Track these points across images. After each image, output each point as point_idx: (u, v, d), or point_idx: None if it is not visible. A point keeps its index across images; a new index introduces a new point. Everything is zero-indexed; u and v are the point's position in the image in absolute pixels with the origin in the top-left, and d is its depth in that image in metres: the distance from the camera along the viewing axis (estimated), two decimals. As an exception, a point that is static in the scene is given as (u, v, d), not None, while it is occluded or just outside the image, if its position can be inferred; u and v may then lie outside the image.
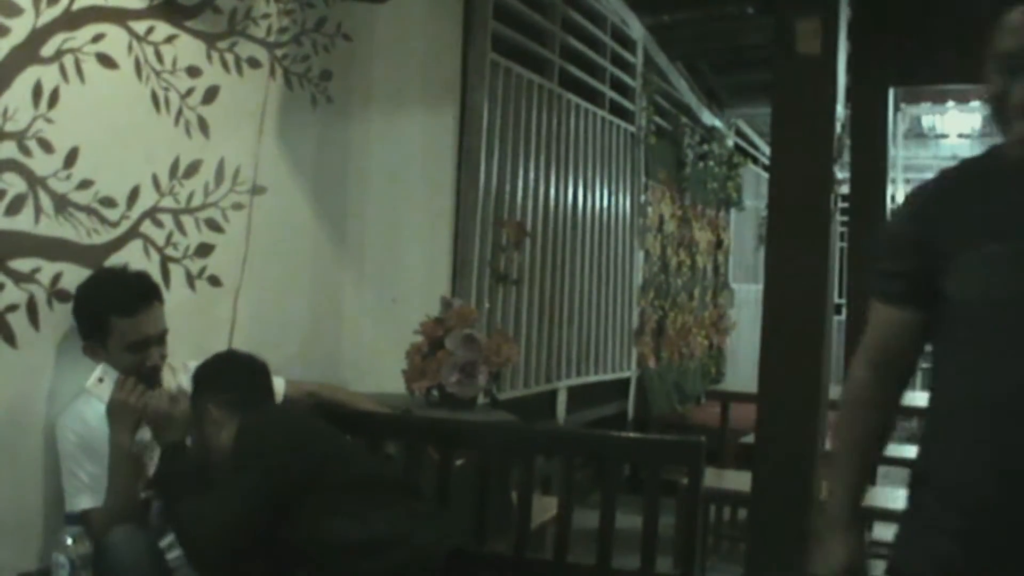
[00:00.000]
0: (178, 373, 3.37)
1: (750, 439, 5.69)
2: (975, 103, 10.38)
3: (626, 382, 8.02)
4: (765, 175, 11.83)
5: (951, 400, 2.02)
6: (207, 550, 2.86)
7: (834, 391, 5.06)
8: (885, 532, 6.47)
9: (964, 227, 1.98)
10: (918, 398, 7.73)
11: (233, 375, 3.22)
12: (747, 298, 11.15)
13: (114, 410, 3.04)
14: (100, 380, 3.09)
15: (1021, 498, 1.86)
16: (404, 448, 3.59)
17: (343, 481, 2.94)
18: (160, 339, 3.21)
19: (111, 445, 3.03)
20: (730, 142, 10.58)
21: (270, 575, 3.02)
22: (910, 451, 7.19)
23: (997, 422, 1.89)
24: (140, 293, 3.19)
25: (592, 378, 7.26)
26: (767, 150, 11.29)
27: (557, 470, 5.48)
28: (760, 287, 10.63)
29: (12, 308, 3.02)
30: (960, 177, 2.11)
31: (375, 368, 4.61)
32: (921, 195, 2.15)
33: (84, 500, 3.03)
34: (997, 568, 1.91)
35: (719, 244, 10.31)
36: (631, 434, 5.99)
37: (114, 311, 3.10)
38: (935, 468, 2.03)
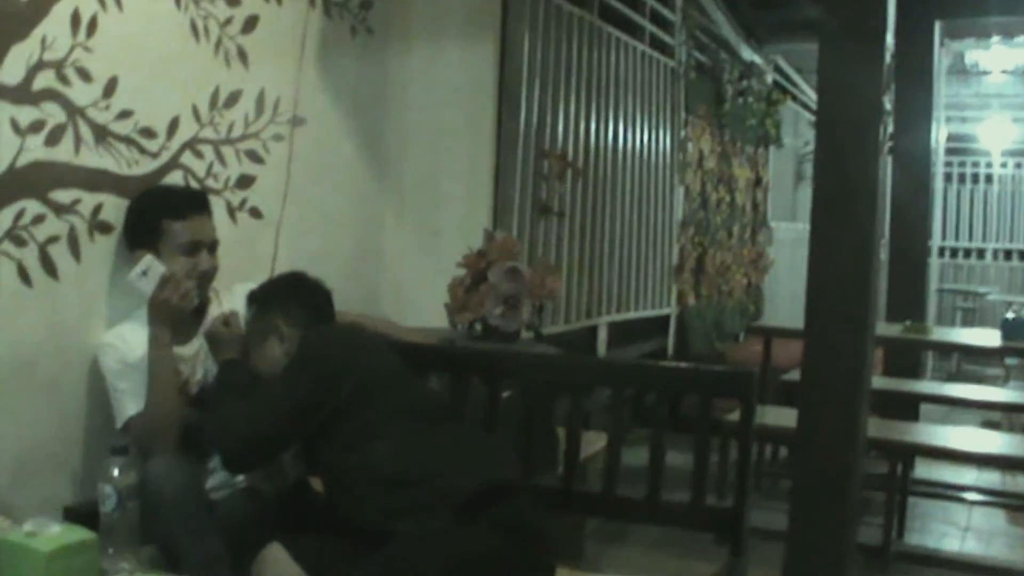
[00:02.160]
0: (222, 295, 3.37)
1: (793, 376, 5.63)
2: (1020, 38, 10.18)
3: (666, 319, 7.97)
4: (804, 113, 11.70)
5: None
6: (243, 445, 2.86)
7: (878, 328, 5.01)
8: (926, 470, 6.46)
9: None
10: (958, 334, 7.70)
11: (306, 292, 3.20)
12: (785, 237, 11.04)
13: (157, 306, 3.04)
14: (144, 273, 3.04)
15: None
16: (449, 380, 3.53)
17: (389, 404, 2.90)
18: (211, 247, 3.22)
19: (150, 339, 3.04)
20: (769, 78, 10.44)
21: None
22: (950, 388, 7.20)
23: None
24: (191, 199, 3.24)
25: (632, 315, 7.22)
26: (806, 88, 11.16)
27: (597, 407, 5.47)
28: (798, 225, 10.58)
29: (53, 240, 3.00)
30: None
31: (417, 301, 4.58)
32: None
33: (130, 408, 3.03)
34: None
35: (758, 182, 10.20)
36: (683, 364, 5.92)
37: (167, 213, 3.13)
38: None
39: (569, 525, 4.49)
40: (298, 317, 3.10)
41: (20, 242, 2.90)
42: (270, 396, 2.90)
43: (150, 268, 3.05)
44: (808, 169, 11.13)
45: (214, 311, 3.29)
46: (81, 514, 2.70)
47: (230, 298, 3.34)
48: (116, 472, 2.47)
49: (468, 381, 3.47)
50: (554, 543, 2.92)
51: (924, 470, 6.50)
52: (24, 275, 2.93)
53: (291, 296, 3.17)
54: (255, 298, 3.20)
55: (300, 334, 3.04)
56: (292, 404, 2.85)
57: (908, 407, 6.93)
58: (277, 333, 3.08)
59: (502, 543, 2.67)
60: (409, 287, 4.65)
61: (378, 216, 4.52)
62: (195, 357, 3.23)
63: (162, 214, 3.13)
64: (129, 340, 3.09)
